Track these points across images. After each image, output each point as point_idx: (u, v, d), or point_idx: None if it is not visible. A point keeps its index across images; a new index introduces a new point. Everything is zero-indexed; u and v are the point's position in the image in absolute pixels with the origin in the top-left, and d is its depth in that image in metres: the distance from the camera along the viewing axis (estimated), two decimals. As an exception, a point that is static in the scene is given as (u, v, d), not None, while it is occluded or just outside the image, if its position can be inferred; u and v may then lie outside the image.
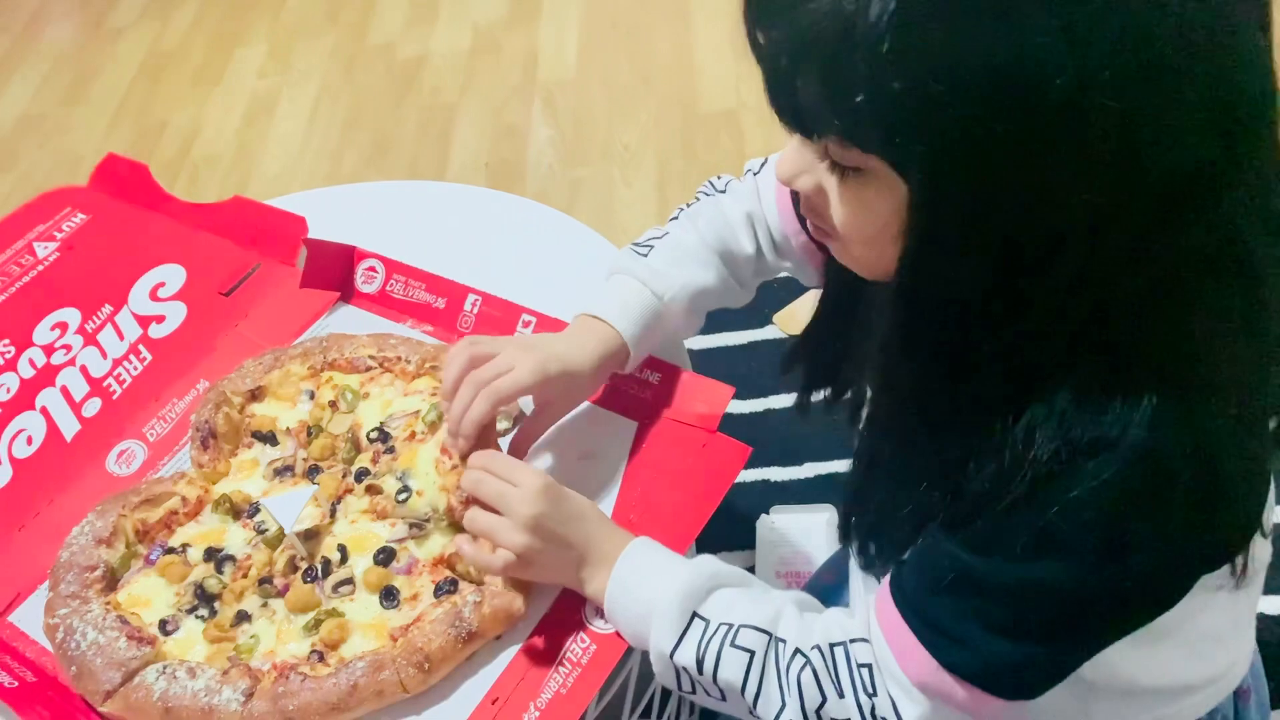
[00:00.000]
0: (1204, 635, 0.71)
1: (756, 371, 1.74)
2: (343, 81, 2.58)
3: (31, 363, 1.06)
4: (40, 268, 1.16)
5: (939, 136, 0.50)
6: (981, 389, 0.59)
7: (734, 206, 0.93)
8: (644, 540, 0.78)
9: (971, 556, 0.62)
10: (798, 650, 0.70)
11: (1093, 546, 0.58)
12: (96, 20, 2.96)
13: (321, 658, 0.79)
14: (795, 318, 1.75)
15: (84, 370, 1.05)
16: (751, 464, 1.60)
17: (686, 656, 0.72)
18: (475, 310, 1.02)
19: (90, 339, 1.08)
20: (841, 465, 1.58)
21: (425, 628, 0.78)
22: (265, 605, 0.83)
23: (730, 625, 0.71)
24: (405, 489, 0.86)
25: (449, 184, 1.30)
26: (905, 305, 0.60)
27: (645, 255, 0.90)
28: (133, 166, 1.25)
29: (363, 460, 0.92)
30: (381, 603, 0.81)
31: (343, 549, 0.85)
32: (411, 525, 0.85)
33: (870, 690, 0.68)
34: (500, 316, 1.01)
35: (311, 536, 0.86)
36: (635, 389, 0.93)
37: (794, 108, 0.56)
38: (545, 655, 0.78)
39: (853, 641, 0.70)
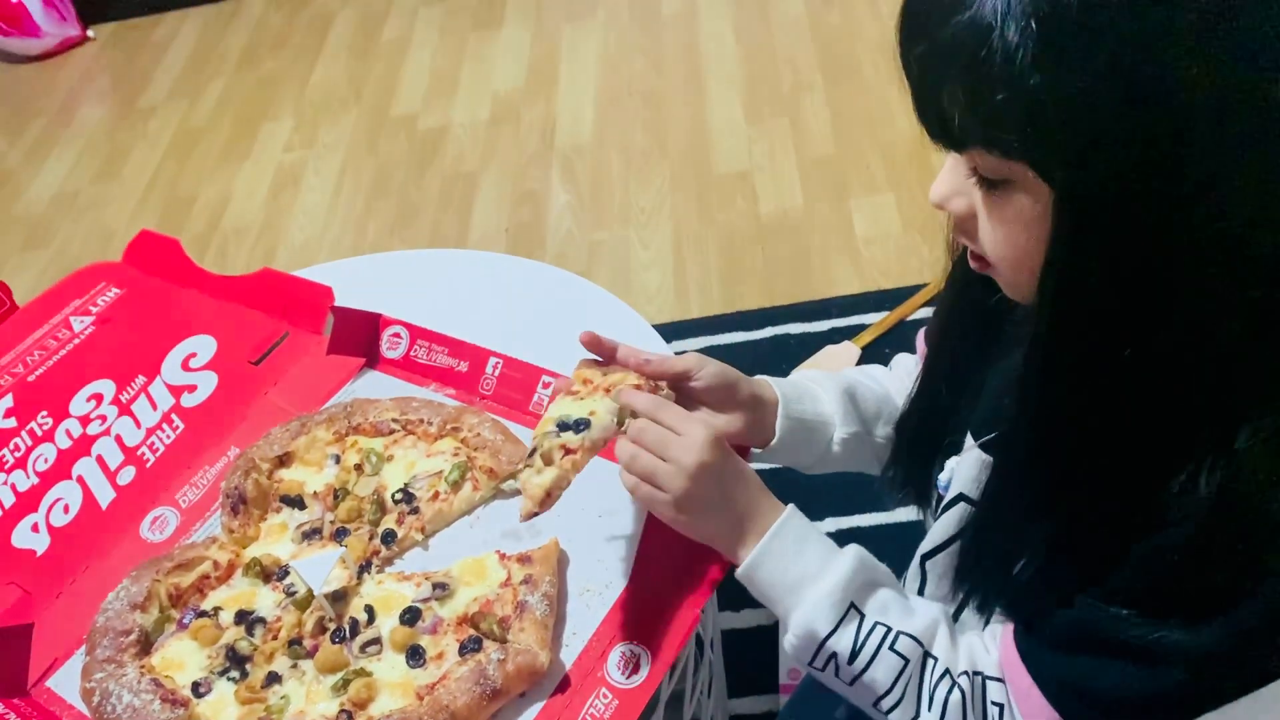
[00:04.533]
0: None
1: (776, 427, 1.75)
2: (366, 153, 2.65)
3: (68, 433, 1.10)
4: (76, 341, 1.20)
5: (1077, 132, 0.52)
6: (1136, 421, 0.59)
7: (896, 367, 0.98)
8: (792, 514, 0.78)
9: (1142, 625, 0.62)
10: (948, 671, 0.73)
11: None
12: (128, 100, 3.06)
13: (350, 717, 0.80)
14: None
15: (119, 440, 1.08)
16: (773, 519, 1.62)
17: (842, 645, 0.73)
18: (497, 373, 1.05)
19: (125, 409, 1.11)
20: (863, 520, 1.60)
21: (451, 685, 0.79)
22: (295, 666, 0.85)
23: (889, 628, 0.73)
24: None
25: (470, 251, 1.34)
26: (1047, 322, 0.60)
27: None
28: (164, 242, 1.29)
29: (388, 521, 0.94)
30: (408, 661, 0.83)
31: (370, 609, 0.87)
32: (435, 585, 0.87)
33: None
34: (521, 378, 1.04)
35: (339, 598, 0.88)
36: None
37: (940, 119, 0.58)
38: (569, 711, 0.79)
39: (989, 679, 0.72)
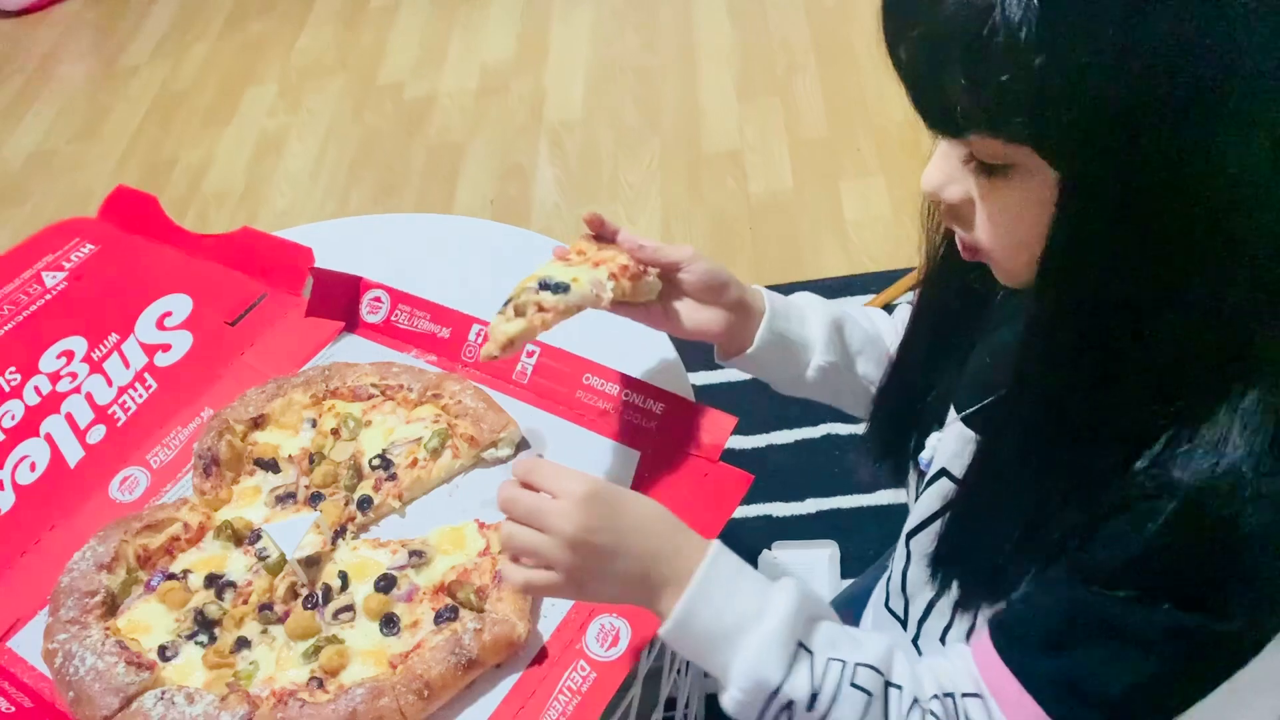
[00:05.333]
0: (1257, 681, 0.67)
1: (759, 407, 1.74)
2: (351, 121, 2.61)
3: (37, 390, 1.07)
4: (48, 297, 1.17)
5: (1083, 113, 0.50)
6: (1129, 401, 0.58)
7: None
8: (720, 551, 0.69)
9: (1121, 607, 0.61)
10: (916, 701, 0.66)
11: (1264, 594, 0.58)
12: (109, 60, 3.01)
13: (321, 684, 0.78)
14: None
15: (89, 398, 1.06)
16: (753, 499, 1.62)
17: (799, 690, 0.65)
18: (480, 340, 1.03)
19: (96, 367, 1.09)
20: (844, 501, 1.60)
21: (425, 655, 0.77)
22: (265, 632, 0.83)
23: (844, 662, 0.66)
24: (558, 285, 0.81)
25: (455, 216, 1.31)
26: (1049, 306, 0.59)
27: None
28: (141, 198, 1.26)
29: (364, 487, 0.92)
30: (381, 630, 0.81)
31: (344, 576, 0.85)
32: (412, 553, 0.85)
33: None
34: (504, 347, 1.01)
35: (313, 563, 0.86)
36: (639, 418, 0.93)
37: (940, 106, 0.56)
38: (545, 683, 0.77)
39: (966, 697, 0.67)
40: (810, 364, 0.88)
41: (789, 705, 0.66)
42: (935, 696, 0.67)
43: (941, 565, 0.73)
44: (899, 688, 0.67)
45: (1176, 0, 0.48)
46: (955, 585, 0.72)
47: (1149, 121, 0.50)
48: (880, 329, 0.93)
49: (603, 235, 0.87)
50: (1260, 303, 0.56)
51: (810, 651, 0.66)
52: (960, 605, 0.74)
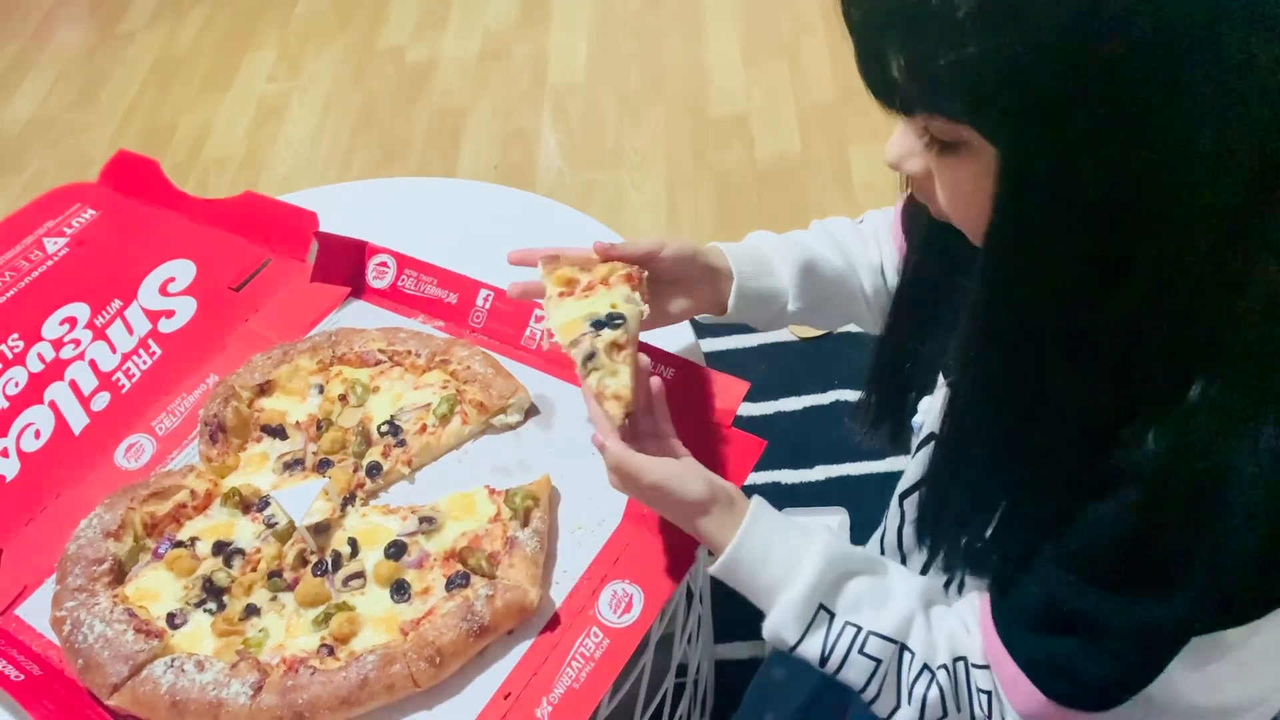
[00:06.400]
0: (1257, 655, 0.70)
1: (767, 374, 1.73)
2: (352, 86, 2.58)
3: (40, 357, 1.06)
4: (49, 263, 1.16)
5: (1020, 95, 0.50)
6: (1082, 387, 0.58)
7: (866, 225, 0.94)
8: (753, 520, 0.73)
9: (1099, 595, 0.61)
10: (926, 666, 0.70)
11: (1237, 575, 0.58)
12: (107, 24, 2.97)
13: (331, 651, 0.78)
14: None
15: (93, 365, 1.04)
16: (762, 466, 1.61)
17: (810, 652, 0.71)
18: (487, 305, 1.02)
19: (99, 334, 1.07)
20: (853, 468, 1.59)
21: (436, 621, 0.77)
22: (274, 599, 0.82)
23: (858, 629, 0.70)
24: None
25: (461, 180, 1.29)
26: (990, 283, 0.59)
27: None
28: (143, 163, 1.24)
29: (373, 454, 0.91)
30: (392, 596, 0.80)
31: (353, 542, 0.84)
32: (422, 519, 0.84)
33: (987, 715, 0.68)
34: (512, 312, 1.00)
35: (322, 530, 0.86)
36: (649, 384, 0.92)
37: (885, 83, 0.56)
38: (558, 650, 0.77)
39: (975, 667, 0.69)
40: (787, 308, 0.90)
41: (803, 659, 0.72)
42: (944, 666, 0.70)
43: (925, 532, 0.74)
44: (912, 653, 0.70)
45: None
46: (941, 554, 0.73)
47: (1085, 98, 0.49)
48: (851, 258, 0.92)
49: (561, 256, 0.84)
50: (1215, 287, 0.54)
51: (831, 613, 0.71)
52: (946, 572, 0.75)
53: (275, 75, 2.67)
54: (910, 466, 0.81)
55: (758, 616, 1.45)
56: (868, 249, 0.92)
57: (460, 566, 0.81)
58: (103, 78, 2.77)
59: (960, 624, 0.72)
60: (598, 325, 0.77)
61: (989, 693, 0.69)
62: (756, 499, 0.75)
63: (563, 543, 0.84)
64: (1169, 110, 0.49)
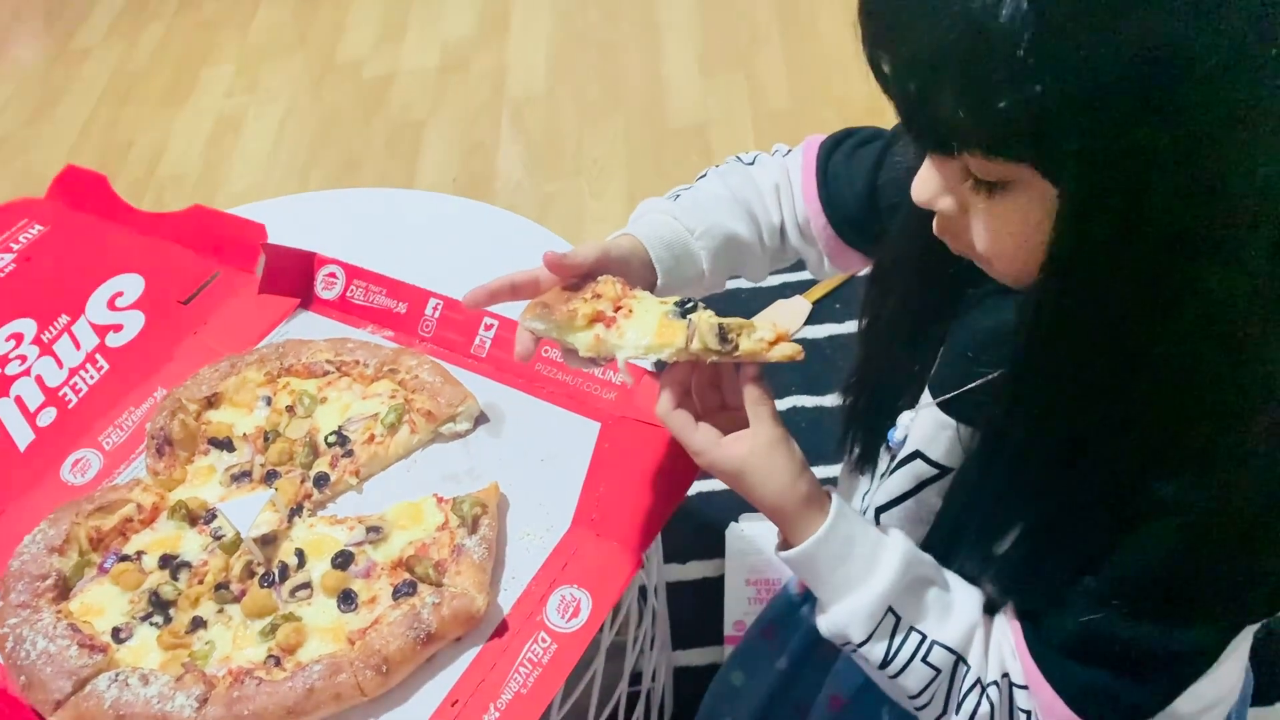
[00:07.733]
0: (1227, 657, 0.69)
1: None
2: (310, 100, 2.58)
3: (-15, 373, 1.05)
4: (-4, 279, 1.15)
5: (1090, 135, 0.48)
6: (1121, 413, 0.58)
7: (764, 177, 0.89)
8: (833, 523, 0.71)
9: (1140, 625, 0.62)
10: (979, 681, 0.70)
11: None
12: (62, 40, 2.94)
13: (278, 662, 0.77)
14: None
15: (39, 380, 1.04)
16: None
17: (874, 654, 0.70)
18: (437, 314, 1.02)
19: (46, 349, 1.06)
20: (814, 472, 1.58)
21: (383, 630, 0.77)
22: (221, 611, 0.82)
23: (923, 637, 0.70)
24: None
25: (417, 191, 1.29)
26: (1047, 317, 0.57)
27: (674, 201, 0.87)
28: (91, 177, 1.23)
29: (321, 464, 0.91)
30: (339, 606, 0.80)
31: (300, 553, 0.84)
32: (369, 529, 0.84)
33: None
34: (462, 320, 1.00)
35: (269, 541, 0.85)
36: (598, 390, 0.93)
37: (933, 127, 0.54)
38: (505, 656, 0.77)
39: (1017, 687, 0.70)
40: (705, 283, 0.86)
41: (864, 658, 0.71)
42: (995, 683, 0.70)
43: (947, 561, 0.74)
44: (968, 666, 0.71)
45: (1162, 8, 0.46)
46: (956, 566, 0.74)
47: (1153, 134, 0.48)
48: (757, 219, 0.88)
49: (546, 302, 0.76)
50: (1274, 319, 0.54)
51: (899, 617, 0.70)
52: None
53: (233, 90, 2.66)
54: (889, 482, 0.80)
55: (716, 622, 1.45)
56: (769, 209, 0.89)
57: (407, 575, 0.81)
58: (58, 94, 2.75)
59: (1007, 642, 0.72)
60: (684, 312, 0.71)
61: (1028, 712, 0.69)
62: (834, 491, 0.73)
63: (511, 549, 0.84)
64: (1234, 140, 0.48)
